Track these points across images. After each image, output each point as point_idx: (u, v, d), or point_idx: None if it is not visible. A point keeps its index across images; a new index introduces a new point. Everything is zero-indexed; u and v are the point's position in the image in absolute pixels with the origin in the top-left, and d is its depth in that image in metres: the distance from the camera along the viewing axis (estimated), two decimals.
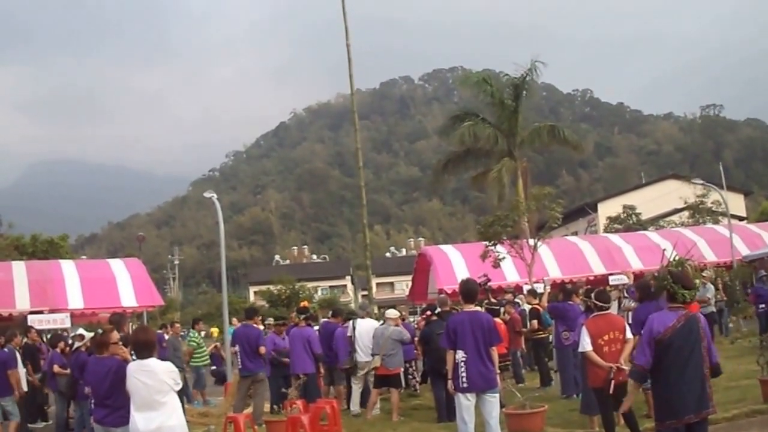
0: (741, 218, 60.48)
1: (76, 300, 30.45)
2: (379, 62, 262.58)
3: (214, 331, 56.98)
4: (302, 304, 24.63)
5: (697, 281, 8.98)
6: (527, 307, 22.66)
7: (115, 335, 10.33)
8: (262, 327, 21.66)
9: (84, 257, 76.77)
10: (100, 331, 11.11)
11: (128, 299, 31.73)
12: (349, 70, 38.18)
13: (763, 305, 25.80)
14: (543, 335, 21.10)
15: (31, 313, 28.07)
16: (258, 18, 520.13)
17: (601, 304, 11.19)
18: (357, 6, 39.28)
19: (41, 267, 33.46)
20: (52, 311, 28.58)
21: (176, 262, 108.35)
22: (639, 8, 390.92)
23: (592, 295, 11.48)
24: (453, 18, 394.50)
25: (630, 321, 13.04)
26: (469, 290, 11.63)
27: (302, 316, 19.23)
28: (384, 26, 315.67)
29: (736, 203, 65.72)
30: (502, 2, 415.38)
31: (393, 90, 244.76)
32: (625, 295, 19.05)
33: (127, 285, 32.15)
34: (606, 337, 10.75)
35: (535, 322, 21.07)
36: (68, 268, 32.58)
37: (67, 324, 28.08)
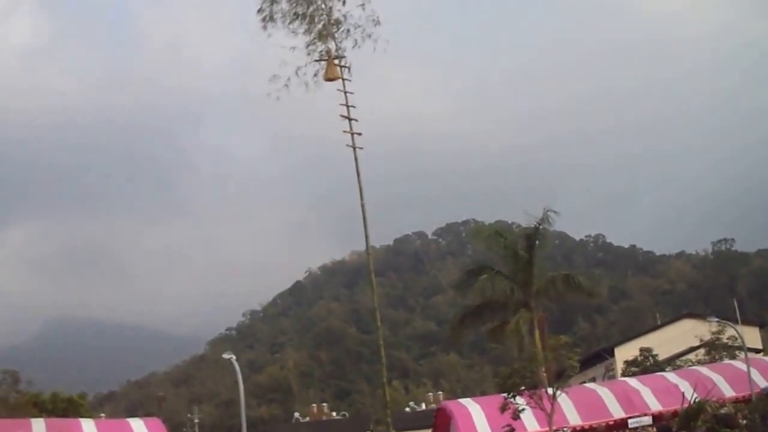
0: (757, 350, 60.78)
1: None
2: (392, 218, 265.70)
3: None
4: None
5: None
6: None
7: None
8: None
9: (103, 415, 77.05)
10: None
11: None
12: (365, 230, 38.03)
13: None
14: None
15: None
16: (268, 179, 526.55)
17: None
18: (368, 163, 39.89)
19: (61, 425, 33.86)
20: None
21: (196, 420, 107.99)
22: (646, 151, 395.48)
23: None
24: (465, 165, 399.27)
25: None
26: None
27: None
28: (396, 180, 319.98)
29: (752, 336, 65.98)
30: (510, 152, 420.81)
31: (407, 246, 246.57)
32: None
33: None
34: None
35: None
36: (88, 427, 32.95)
37: None
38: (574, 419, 36.15)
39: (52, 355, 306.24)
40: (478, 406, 38.03)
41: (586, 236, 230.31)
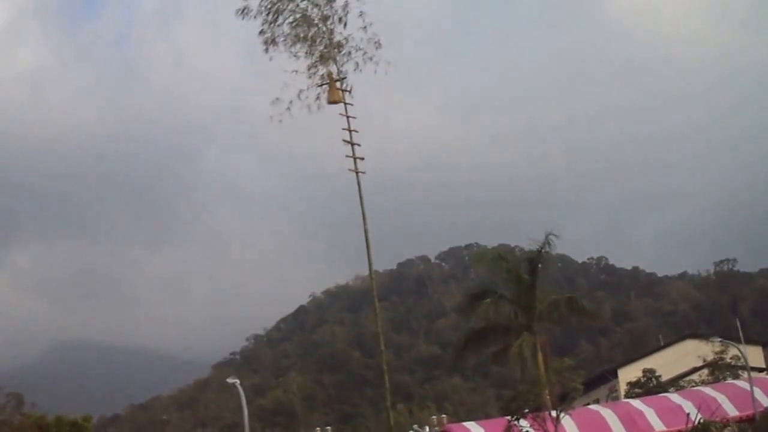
0: (760, 370, 60.70)
1: None
2: (395, 243, 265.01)
3: None
4: None
5: None
6: None
7: None
8: None
9: None
10: None
11: None
12: (368, 255, 37.41)
13: None
14: None
15: None
16: (273, 204, 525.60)
17: None
18: (372, 195, 39.40)
19: None
20: None
21: None
22: (649, 169, 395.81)
23: None
24: (465, 194, 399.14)
25: None
26: None
27: None
28: (399, 208, 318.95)
29: (755, 356, 65.81)
30: (512, 176, 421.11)
31: (410, 270, 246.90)
32: None
33: None
34: None
35: None
36: None
37: None
38: None
39: (56, 378, 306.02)
40: (481, 429, 38.07)
41: (588, 258, 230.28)
